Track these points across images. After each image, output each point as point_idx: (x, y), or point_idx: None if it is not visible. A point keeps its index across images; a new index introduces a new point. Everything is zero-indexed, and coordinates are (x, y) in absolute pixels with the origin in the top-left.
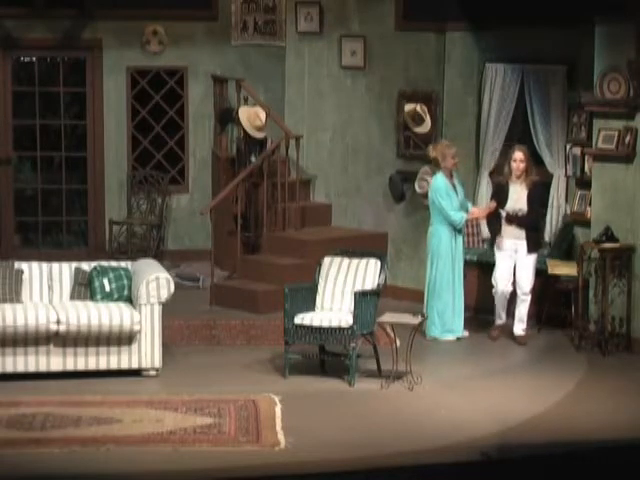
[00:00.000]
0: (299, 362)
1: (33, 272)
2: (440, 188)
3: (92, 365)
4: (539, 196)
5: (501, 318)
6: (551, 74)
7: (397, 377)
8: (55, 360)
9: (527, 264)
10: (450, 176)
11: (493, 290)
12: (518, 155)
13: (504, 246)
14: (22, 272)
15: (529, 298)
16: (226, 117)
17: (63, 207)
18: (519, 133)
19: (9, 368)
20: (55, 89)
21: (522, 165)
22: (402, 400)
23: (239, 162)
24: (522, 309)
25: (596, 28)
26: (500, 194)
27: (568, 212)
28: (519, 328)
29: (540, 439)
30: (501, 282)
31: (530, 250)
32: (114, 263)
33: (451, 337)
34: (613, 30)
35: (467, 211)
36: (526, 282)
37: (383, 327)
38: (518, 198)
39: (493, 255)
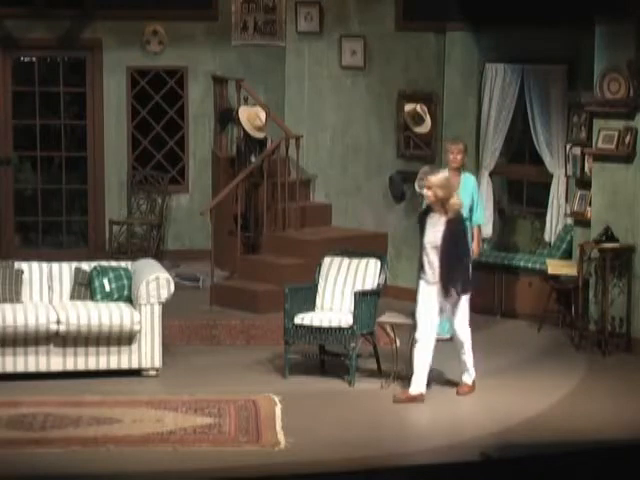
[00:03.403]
0: (299, 362)
1: (33, 272)
2: None
3: (92, 365)
4: (454, 235)
5: (417, 384)
6: (551, 74)
7: (397, 377)
8: (55, 360)
9: (458, 307)
10: (455, 173)
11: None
12: (428, 180)
13: (426, 288)
14: (22, 272)
15: (468, 345)
16: (226, 117)
17: (63, 207)
18: (519, 133)
19: (9, 368)
20: (55, 89)
21: (429, 192)
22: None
23: (239, 162)
24: (463, 358)
25: (596, 28)
26: (422, 222)
27: (568, 212)
28: (465, 377)
29: (540, 439)
30: (423, 332)
31: (460, 292)
32: (114, 263)
33: (446, 336)
34: (613, 30)
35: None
36: (460, 326)
37: (383, 327)
38: (435, 231)
39: (493, 255)
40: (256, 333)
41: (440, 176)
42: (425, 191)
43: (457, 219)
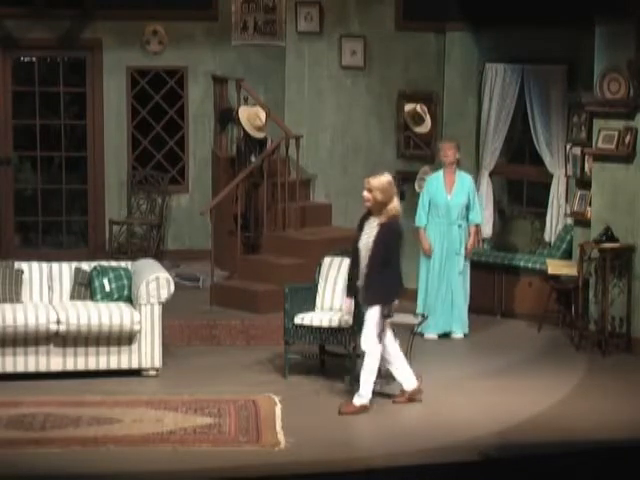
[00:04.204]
0: (299, 362)
1: (33, 272)
2: (426, 182)
3: (92, 365)
4: (385, 238)
5: (408, 382)
6: (551, 74)
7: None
8: (55, 360)
9: (366, 317)
10: (450, 171)
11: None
12: (368, 183)
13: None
14: (22, 272)
15: (368, 361)
16: (226, 117)
17: (63, 207)
18: (519, 133)
19: (9, 368)
20: (55, 89)
21: (368, 195)
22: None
23: (239, 162)
24: (361, 371)
25: (596, 28)
26: (360, 225)
27: (568, 212)
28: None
29: (540, 439)
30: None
31: (369, 302)
32: (114, 263)
33: (460, 335)
34: (613, 30)
35: (468, 218)
36: (364, 339)
37: None
38: (369, 235)
39: (493, 255)
40: (256, 333)
41: (382, 179)
42: (365, 193)
43: (391, 223)
